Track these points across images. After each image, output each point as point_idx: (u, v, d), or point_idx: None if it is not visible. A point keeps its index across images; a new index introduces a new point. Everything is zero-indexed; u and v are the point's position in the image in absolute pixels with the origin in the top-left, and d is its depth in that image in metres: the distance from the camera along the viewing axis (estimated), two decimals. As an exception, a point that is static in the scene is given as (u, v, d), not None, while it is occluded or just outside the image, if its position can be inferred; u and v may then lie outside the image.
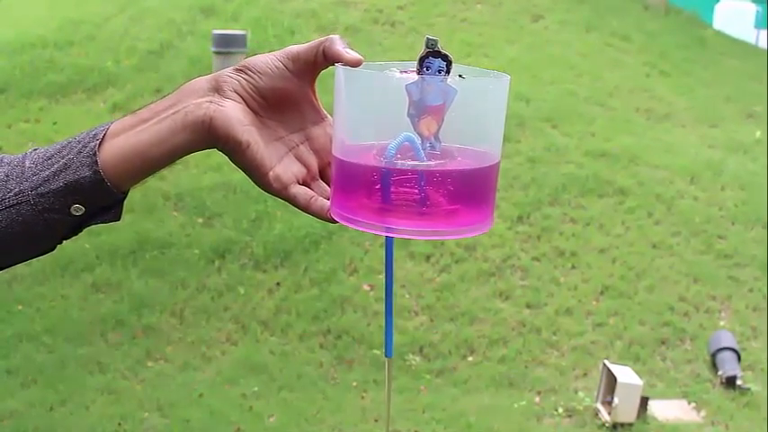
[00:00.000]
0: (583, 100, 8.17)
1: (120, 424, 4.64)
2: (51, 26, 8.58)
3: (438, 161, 0.68)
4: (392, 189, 0.68)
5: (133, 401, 4.86)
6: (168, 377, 5.12)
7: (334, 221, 0.72)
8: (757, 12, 12.71)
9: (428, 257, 6.10)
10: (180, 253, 6.04)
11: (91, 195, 0.74)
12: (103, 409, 4.77)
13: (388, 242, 0.76)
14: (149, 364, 5.25)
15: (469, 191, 0.70)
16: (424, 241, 6.15)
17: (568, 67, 8.79)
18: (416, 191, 0.68)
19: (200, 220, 6.35)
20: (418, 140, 0.67)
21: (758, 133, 8.09)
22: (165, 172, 6.51)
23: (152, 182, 6.43)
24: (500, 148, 0.72)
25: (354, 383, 5.15)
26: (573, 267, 6.11)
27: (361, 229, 0.69)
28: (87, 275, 5.81)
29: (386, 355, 0.84)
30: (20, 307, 5.57)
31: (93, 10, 8.95)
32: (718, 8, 12.72)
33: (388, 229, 0.68)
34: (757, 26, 12.60)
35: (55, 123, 7.21)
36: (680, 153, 7.46)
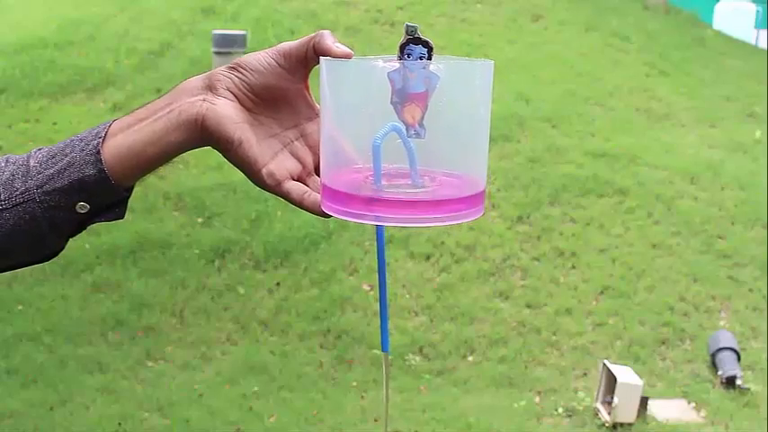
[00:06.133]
0: (583, 100, 8.17)
1: (120, 424, 4.64)
2: (51, 26, 8.58)
3: (427, 189, 0.68)
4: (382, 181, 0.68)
5: (133, 401, 4.86)
6: (168, 377, 5.12)
7: (327, 216, 0.73)
8: (757, 12, 12.72)
9: (428, 257, 6.09)
10: (180, 253, 6.04)
11: (95, 193, 0.75)
12: (103, 409, 4.77)
13: (379, 231, 0.76)
14: (149, 364, 5.25)
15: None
16: (425, 241, 6.15)
17: (568, 67, 8.79)
18: (406, 180, 0.68)
19: (200, 220, 6.35)
20: (404, 129, 0.67)
21: (758, 133, 8.09)
22: (165, 172, 6.53)
23: (152, 182, 6.43)
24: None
25: (354, 383, 5.15)
26: (573, 267, 6.11)
27: (350, 219, 0.69)
28: (87, 275, 5.81)
29: (382, 350, 0.84)
30: (20, 307, 5.57)
31: (93, 10, 8.96)
32: (718, 8, 12.73)
33: (378, 218, 0.68)
34: (757, 26, 12.61)
35: (55, 123, 7.22)
36: (680, 153, 7.46)
